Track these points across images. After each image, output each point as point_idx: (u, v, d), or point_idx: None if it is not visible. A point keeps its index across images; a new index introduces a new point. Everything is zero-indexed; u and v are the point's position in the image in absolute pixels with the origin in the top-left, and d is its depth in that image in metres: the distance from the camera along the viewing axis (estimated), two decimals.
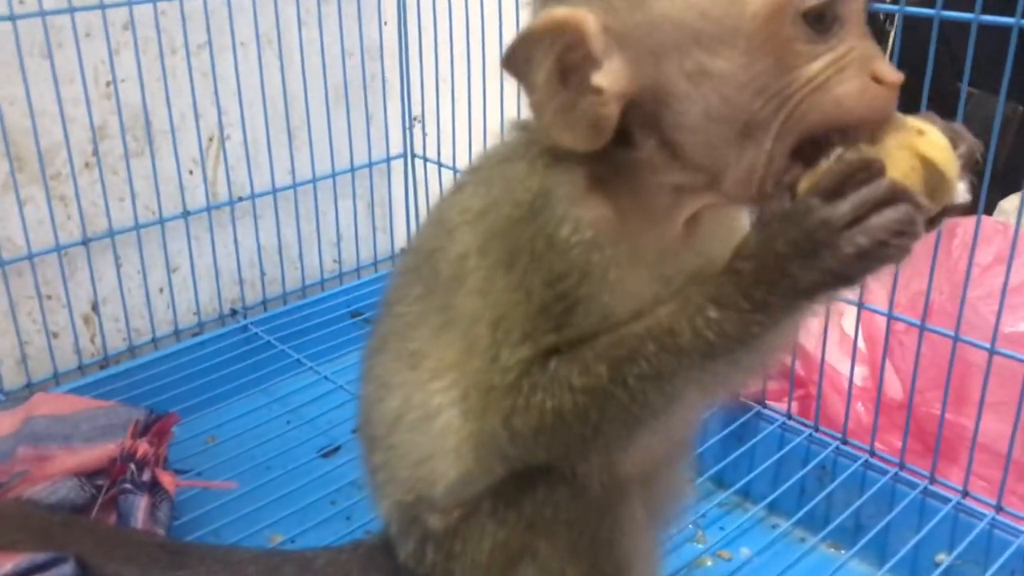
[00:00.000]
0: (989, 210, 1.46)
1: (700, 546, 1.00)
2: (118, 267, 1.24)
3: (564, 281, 0.55)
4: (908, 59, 0.89)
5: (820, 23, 0.50)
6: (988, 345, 0.91)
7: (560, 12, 0.53)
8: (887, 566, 0.93)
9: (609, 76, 0.53)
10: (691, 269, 0.56)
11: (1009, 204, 1.38)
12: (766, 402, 1.10)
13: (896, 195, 0.48)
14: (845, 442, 1.04)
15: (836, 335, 1.10)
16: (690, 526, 1.02)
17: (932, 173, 0.49)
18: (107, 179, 1.21)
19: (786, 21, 0.50)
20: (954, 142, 0.52)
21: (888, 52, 0.95)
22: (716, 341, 0.51)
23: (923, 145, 0.50)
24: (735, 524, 1.03)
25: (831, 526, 0.98)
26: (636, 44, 0.53)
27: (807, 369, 1.10)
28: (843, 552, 0.98)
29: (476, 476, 0.63)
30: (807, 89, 0.51)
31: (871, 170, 0.48)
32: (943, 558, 0.93)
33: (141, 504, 0.93)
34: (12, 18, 1.07)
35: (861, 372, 1.10)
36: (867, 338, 1.10)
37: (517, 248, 0.57)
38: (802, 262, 0.48)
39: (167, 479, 0.99)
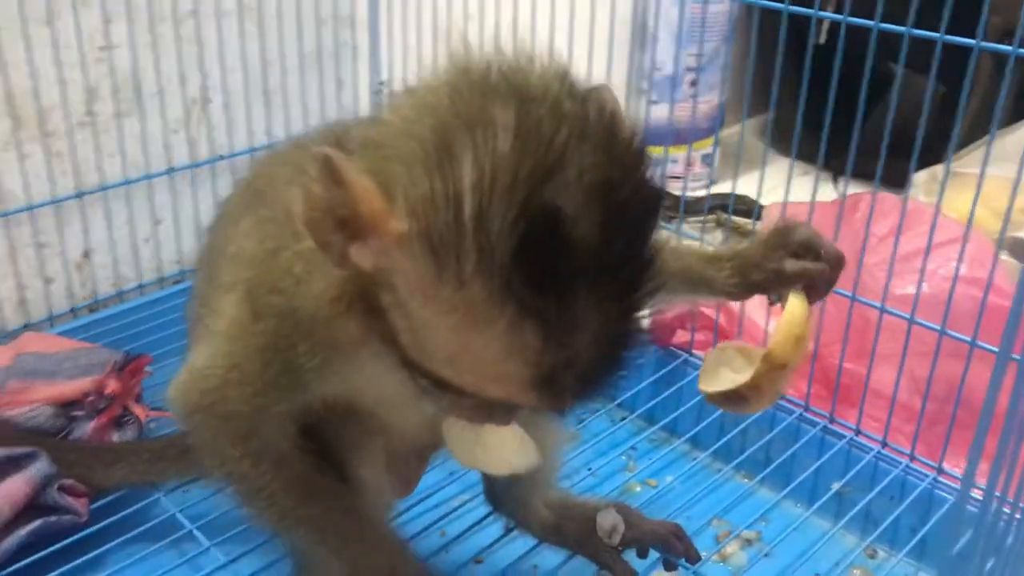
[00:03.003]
0: (902, 183, 1.61)
1: (631, 474, 1.15)
2: (108, 218, 1.35)
3: None
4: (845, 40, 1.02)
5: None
6: (879, 304, 1.06)
7: (379, 209, 0.51)
8: (787, 490, 1.08)
9: (363, 257, 0.53)
10: None
11: (919, 178, 1.53)
12: (692, 351, 1.25)
13: None
14: None
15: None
16: (623, 457, 1.17)
17: (799, 341, 0.71)
18: (100, 137, 1.31)
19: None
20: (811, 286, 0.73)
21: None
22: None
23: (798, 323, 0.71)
24: (661, 456, 1.18)
25: (742, 457, 1.14)
26: (396, 290, 0.53)
27: (729, 322, 1.24)
28: (752, 480, 1.14)
29: None
30: (448, 404, 0.60)
31: None
32: (836, 486, 1.09)
33: (91, 424, 1.06)
34: None
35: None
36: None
37: None
38: None
39: (140, 410, 1.11)
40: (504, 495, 0.95)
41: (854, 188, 1.50)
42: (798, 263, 0.73)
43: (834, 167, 1.71)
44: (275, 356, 0.64)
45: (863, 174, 1.12)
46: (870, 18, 0.99)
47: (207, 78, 1.39)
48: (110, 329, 1.29)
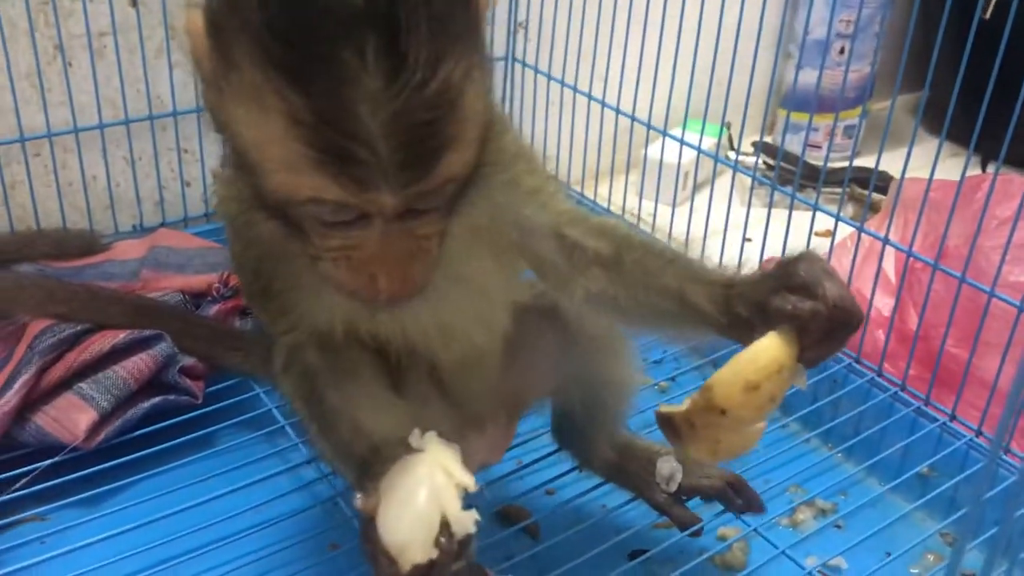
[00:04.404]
0: None
1: None
2: None
3: None
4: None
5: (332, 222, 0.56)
6: (989, 288, 1.02)
7: (194, 20, 0.56)
8: (871, 466, 1.06)
9: (210, 97, 0.59)
10: None
11: None
12: None
13: None
14: (858, 361, 1.17)
15: (872, 267, 1.20)
16: None
17: (749, 390, 0.60)
18: None
19: (298, 206, 0.56)
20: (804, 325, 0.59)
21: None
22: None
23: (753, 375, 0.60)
24: None
25: (830, 427, 1.12)
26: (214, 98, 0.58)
27: None
28: (836, 451, 1.12)
29: None
30: (320, 250, 0.59)
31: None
32: (922, 468, 1.07)
33: (215, 307, 1.14)
34: None
35: (888, 303, 1.21)
36: (897, 273, 1.21)
37: None
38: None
39: None
40: (570, 433, 0.97)
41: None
42: (786, 299, 0.59)
43: (984, 150, 1.64)
44: (260, 268, 0.73)
45: (1014, 160, 1.05)
46: None
47: None
48: None
